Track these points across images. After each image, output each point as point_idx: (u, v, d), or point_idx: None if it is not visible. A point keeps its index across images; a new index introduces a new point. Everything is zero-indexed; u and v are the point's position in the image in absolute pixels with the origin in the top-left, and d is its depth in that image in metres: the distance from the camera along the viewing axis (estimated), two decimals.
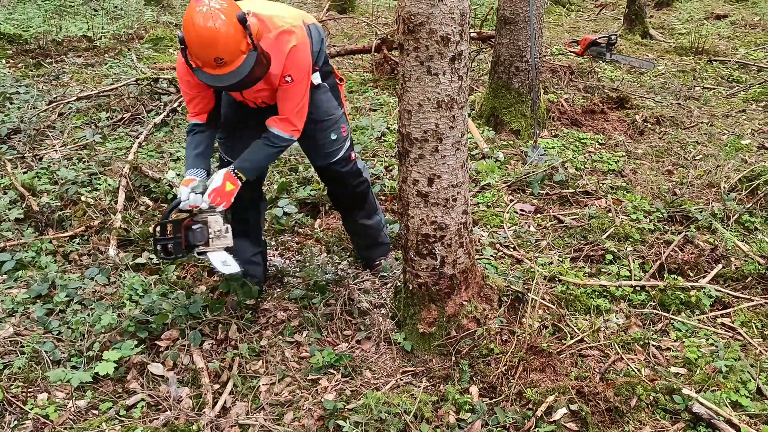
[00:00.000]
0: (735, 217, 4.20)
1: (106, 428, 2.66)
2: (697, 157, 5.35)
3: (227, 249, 3.07)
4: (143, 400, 2.89)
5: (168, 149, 5.22)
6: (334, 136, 3.33)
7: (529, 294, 3.29)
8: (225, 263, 3.04)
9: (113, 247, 3.90)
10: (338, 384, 3.01)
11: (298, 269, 3.78)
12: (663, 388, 2.89)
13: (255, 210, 3.50)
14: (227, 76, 2.73)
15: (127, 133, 5.58)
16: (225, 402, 2.90)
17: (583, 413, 2.74)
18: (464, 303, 3.13)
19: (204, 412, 2.81)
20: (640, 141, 5.79)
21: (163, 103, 6.08)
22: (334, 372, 3.07)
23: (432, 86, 2.75)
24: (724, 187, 4.54)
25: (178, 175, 4.71)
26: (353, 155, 3.49)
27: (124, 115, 5.88)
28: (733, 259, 3.82)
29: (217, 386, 3.00)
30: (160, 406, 2.88)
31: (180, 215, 3.07)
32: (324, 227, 4.30)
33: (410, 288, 3.15)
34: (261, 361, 3.14)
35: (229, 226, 3.06)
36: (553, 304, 3.34)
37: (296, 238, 4.20)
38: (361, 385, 3.00)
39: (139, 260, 3.79)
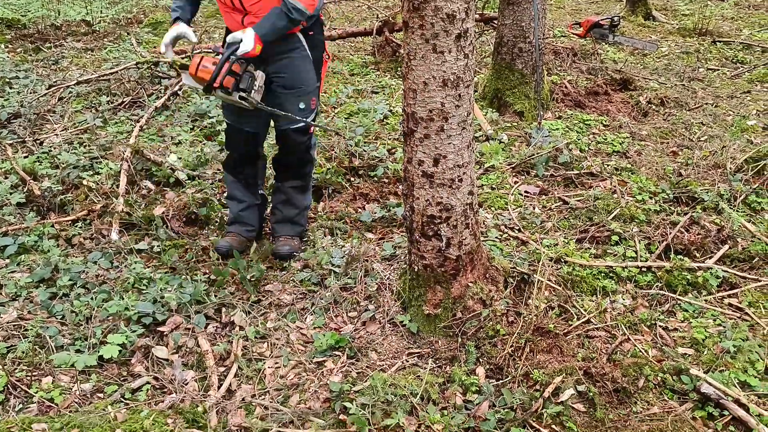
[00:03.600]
0: (742, 197, 4.16)
1: (111, 411, 2.64)
2: (702, 138, 5.32)
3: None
4: (148, 383, 2.88)
5: (169, 133, 5.18)
6: (302, 105, 3.54)
7: (534, 275, 3.27)
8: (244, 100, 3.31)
9: (115, 231, 3.88)
10: (344, 366, 3.00)
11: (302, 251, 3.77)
12: (670, 368, 2.87)
13: (251, 166, 3.76)
14: None
15: (127, 117, 5.54)
16: (230, 384, 2.89)
17: (591, 394, 2.73)
18: (470, 284, 3.11)
19: (209, 395, 2.80)
20: (644, 122, 5.75)
21: (163, 87, 6.03)
22: (340, 354, 3.06)
23: (437, 64, 2.71)
24: (730, 168, 4.51)
25: (180, 158, 4.68)
26: (312, 129, 3.67)
27: (125, 99, 5.83)
28: (739, 239, 3.79)
29: (222, 369, 2.99)
30: (166, 389, 2.87)
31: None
32: (327, 210, 4.27)
33: (415, 270, 3.12)
34: (266, 343, 3.13)
35: (263, 87, 3.39)
36: (560, 286, 3.32)
37: None
38: (367, 366, 2.99)
39: (140, 245, 3.77)
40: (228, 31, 3.52)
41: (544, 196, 4.41)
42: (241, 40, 3.21)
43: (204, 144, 5.01)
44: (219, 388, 2.85)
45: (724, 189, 4.24)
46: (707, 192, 4.22)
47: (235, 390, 2.87)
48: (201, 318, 3.20)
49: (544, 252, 3.55)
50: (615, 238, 3.79)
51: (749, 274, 3.55)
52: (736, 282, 3.47)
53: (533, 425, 2.65)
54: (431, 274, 3.08)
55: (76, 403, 2.75)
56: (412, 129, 2.87)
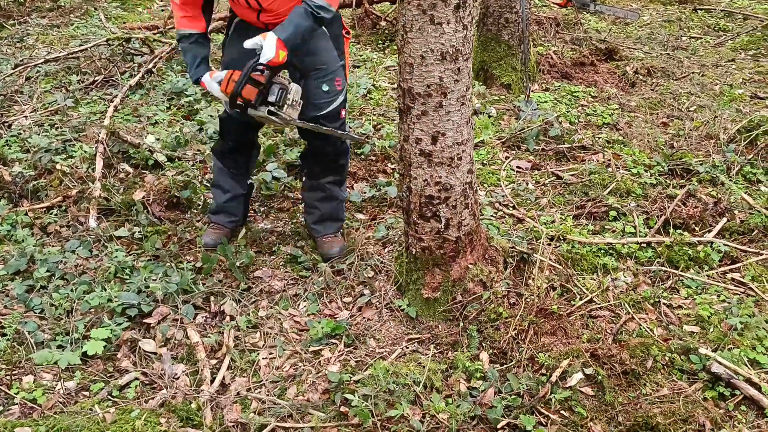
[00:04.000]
0: (737, 169, 4.09)
1: (98, 410, 2.50)
2: (691, 108, 5.24)
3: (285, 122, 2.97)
4: (137, 378, 2.74)
5: (145, 113, 4.96)
6: (326, 88, 3.16)
7: (535, 254, 3.17)
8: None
9: (93, 218, 3.69)
10: (342, 354, 2.88)
11: (291, 233, 3.62)
12: (678, 348, 2.80)
13: (245, 154, 3.50)
14: None
15: (100, 97, 5.30)
16: (223, 378, 2.75)
17: (600, 377, 2.64)
18: (470, 266, 3.00)
19: (202, 390, 2.67)
20: (632, 93, 5.65)
21: (137, 65, 5.78)
22: (337, 342, 2.94)
23: (435, 36, 2.56)
24: (723, 138, 4.43)
25: (158, 139, 4.48)
26: (344, 114, 3.30)
27: (96, 78, 5.58)
28: (736, 212, 3.72)
29: (214, 361, 2.85)
30: (155, 385, 2.73)
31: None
32: None
33: (413, 252, 3.00)
34: (259, 333, 2.99)
35: (301, 102, 2.98)
36: (560, 265, 3.22)
37: (286, 203, 4.02)
38: (366, 354, 2.87)
39: (120, 232, 3.58)
40: (240, 22, 3.20)
41: (536, 171, 4.30)
42: (261, 47, 2.83)
43: (182, 124, 4.81)
44: (212, 382, 2.72)
45: (718, 160, 4.16)
46: (702, 164, 4.14)
47: (229, 384, 2.74)
48: (189, 308, 3.06)
49: (542, 230, 3.44)
50: (613, 213, 3.70)
51: (749, 247, 3.48)
52: (737, 256, 3.41)
53: (542, 411, 2.57)
54: (430, 256, 2.96)
55: (60, 403, 2.59)
56: (408, 105, 2.72)
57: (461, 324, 2.93)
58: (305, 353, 2.89)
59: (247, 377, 2.77)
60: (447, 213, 2.86)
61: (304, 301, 3.18)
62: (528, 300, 2.97)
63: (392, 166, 4.27)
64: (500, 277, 3.07)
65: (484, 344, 2.86)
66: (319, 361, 2.84)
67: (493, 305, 2.94)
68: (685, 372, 2.72)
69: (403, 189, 2.92)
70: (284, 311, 3.12)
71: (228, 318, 3.05)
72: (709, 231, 3.57)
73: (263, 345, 2.93)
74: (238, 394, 2.67)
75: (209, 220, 3.63)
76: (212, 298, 3.15)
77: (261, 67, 2.85)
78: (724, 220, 3.64)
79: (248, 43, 2.87)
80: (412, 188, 2.86)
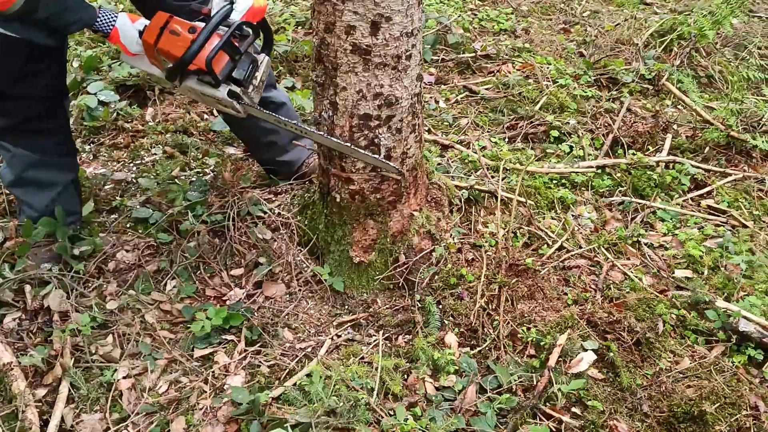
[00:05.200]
0: (665, 77, 3.55)
1: None
2: (584, 14, 4.66)
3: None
4: None
5: None
6: None
7: (497, 190, 2.38)
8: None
9: None
10: (245, 357, 1.95)
11: (137, 180, 2.55)
12: (685, 301, 2.18)
13: (60, 108, 2.18)
14: None
15: None
16: (62, 419, 1.72)
17: (611, 354, 1.95)
18: (414, 213, 2.16)
19: None
20: None
21: None
22: (235, 338, 1.99)
23: None
24: (638, 44, 3.87)
25: None
26: None
27: None
28: (675, 126, 3.19)
29: (42, 392, 1.80)
30: None
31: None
32: (160, 119, 3.02)
33: (336, 199, 2.09)
34: (111, 337, 1.96)
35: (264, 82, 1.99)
36: (520, 204, 2.47)
37: (122, 137, 2.90)
38: (281, 354, 1.96)
39: None
40: None
41: (443, 86, 3.49)
42: (231, 1, 1.86)
43: None
44: (43, 429, 1.68)
45: (644, 69, 3.59)
46: (628, 73, 3.55)
47: (74, 426, 1.72)
48: None
49: (482, 160, 2.66)
50: (553, 133, 2.99)
51: (706, 165, 2.95)
52: (700, 179, 2.86)
53: (546, 412, 1.83)
54: (362, 204, 2.07)
55: None
56: None
57: (415, 296, 2.10)
58: (189, 361, 1.92)
59: (102, 412, 1.76)
60: (389, 140, 1.97)
61: (173, 279, 2.18)
62: (489, 253, 2.20)
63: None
64: (449, 225, 2.27)
65: (447, 321, 2.06)
66: (213, 372, 1.89)
67: (450, 265, 2.14)
68: (700, 332, 2.11)
69: (324, 106, 1.96)
70: (145, 297, 2.10)
71: (57, 318, 1.98)
72: (659, 150, 3.00)
73: (121, 355, 1.92)
74: None
75: (32, 239, 2.20)
76: (28, 288, 2.04)
77: (241, 29, 1.85)
78: (670, 136, 3.09)
79: (214, 8, 1.86)
80: (339, 104, 1.92)
